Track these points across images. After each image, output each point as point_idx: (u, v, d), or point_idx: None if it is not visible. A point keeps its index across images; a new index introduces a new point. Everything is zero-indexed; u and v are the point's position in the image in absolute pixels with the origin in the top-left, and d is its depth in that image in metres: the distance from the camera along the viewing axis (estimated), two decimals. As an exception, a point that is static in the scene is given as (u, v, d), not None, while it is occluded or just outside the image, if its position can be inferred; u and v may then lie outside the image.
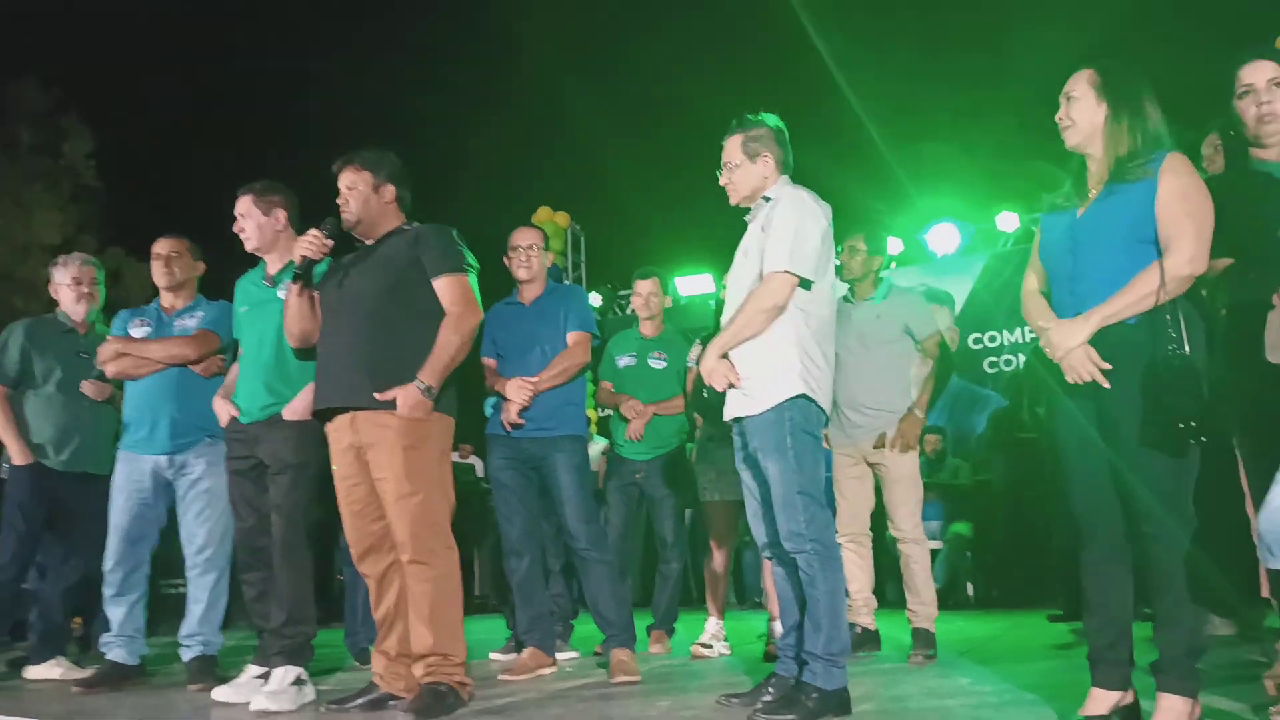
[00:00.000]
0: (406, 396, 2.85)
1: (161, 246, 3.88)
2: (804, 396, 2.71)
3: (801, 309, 2.76)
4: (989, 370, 8.74)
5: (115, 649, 3.73)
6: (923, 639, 3.88)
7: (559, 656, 4.13)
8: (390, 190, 3.11)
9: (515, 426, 3.63)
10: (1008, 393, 8.23)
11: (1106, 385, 2.29)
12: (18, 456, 4.06)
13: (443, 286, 2.98)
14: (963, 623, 5.49)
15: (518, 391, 3.62)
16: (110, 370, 3.84)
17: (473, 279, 3.05)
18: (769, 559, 2.95)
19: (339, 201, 3.10)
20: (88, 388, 4.16)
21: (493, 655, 4.44)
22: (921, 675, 3.46)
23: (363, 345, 2.93)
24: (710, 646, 4.32)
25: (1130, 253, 2.31)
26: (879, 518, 4.16)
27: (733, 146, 2.92)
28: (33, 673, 4.09)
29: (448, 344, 2.92)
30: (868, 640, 4.05)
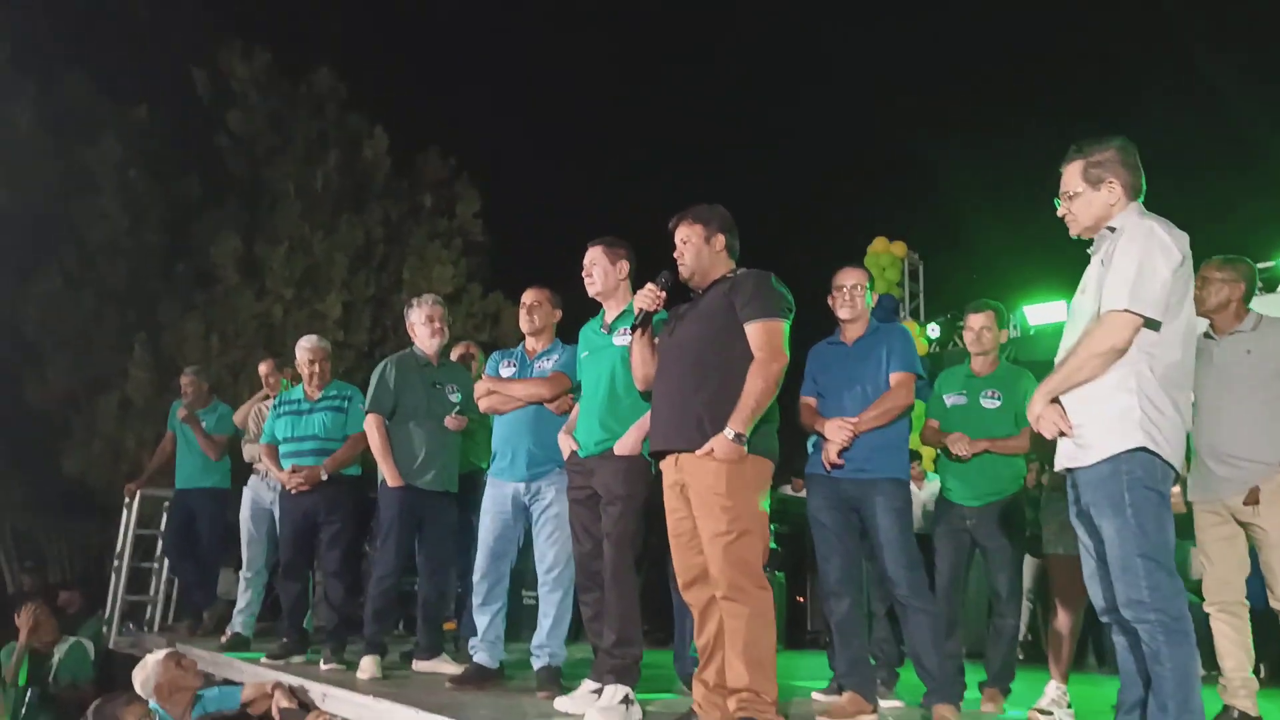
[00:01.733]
0: (719, 446, 2.98)
1: (527, 296, 4.32)
2: (1145, 449, 2.44)
3: (1146, 352, 2.50)
4: None
5: (480, 652, 4.21)
6: None
7: (883, 704, 4.01)
8: (721, 240, 3.30)
9: (835, 467, 3.63)
10: None
11: None
12: (391, 479, 4.58)
13: (751, 332, 3.09)
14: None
15: (837, 432, 3.62)
16: (482, 406, 4.35)
17: (786, 323, 3.13)
18: (1106, 623, 2.68)
19: (675, 255, 3.33)
20: (450, 422, 4.72)
21: (815, 695, 4.42)
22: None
23: (684, 393, 3.12)
24: (1050, 713, 3.98)
25: None
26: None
27: (1072, 173, 2.73)
28: (420, 665, 4.74)
29: (752, 390, 3.02)
30: None
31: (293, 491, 4.99)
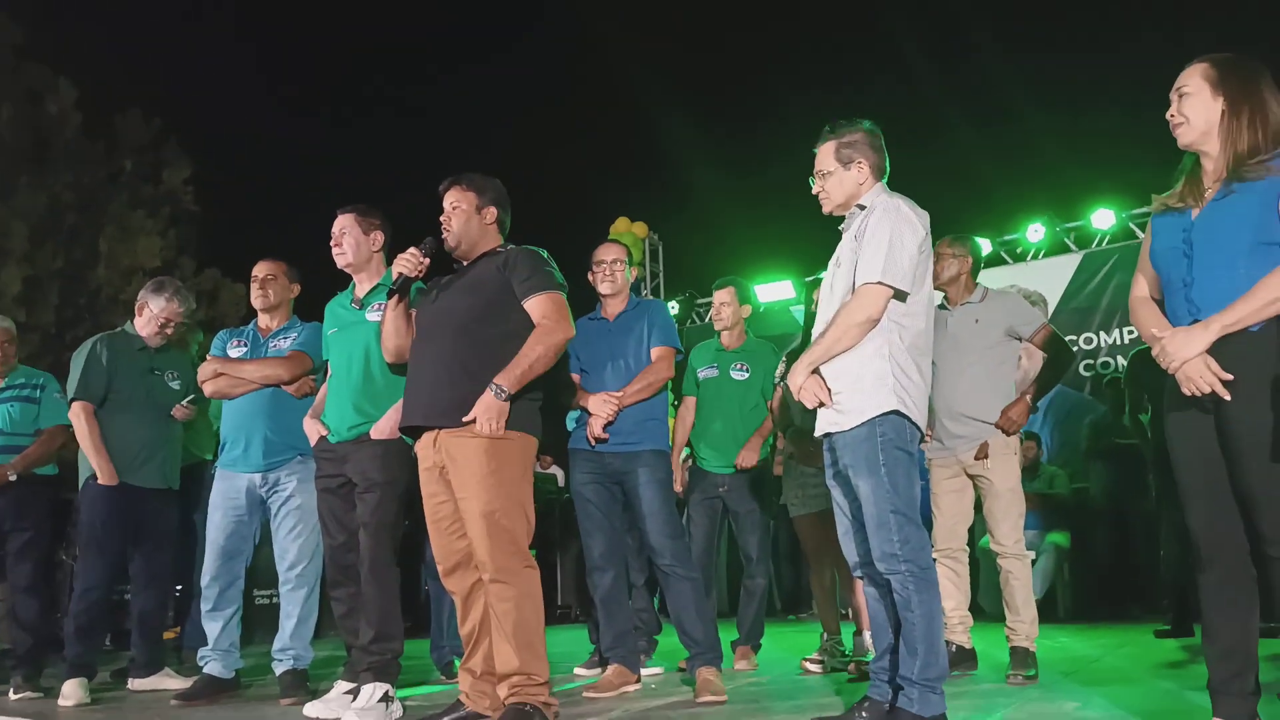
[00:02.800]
0: (482, 403, 2.83)
1: (259, 269, 3.96)
2: (897, 412, 2.61)
3: (896, 322, 2.66)
4: (1085, 374, 8.38)
5: (211, 663, 3.82)
6: (1022, 658, 3.71)
7: (644, 672, 4.09)
8: (492, 212, 3.13)
9: (599, 441, 3.61)
10: (1106, 398, 7.90)
11: (1228, 398, 2.15)
12: (105, 476, 4.05)
13: (534, 305, 2.97)
14: (1064, 639, 5.26)
15: (602, 406, 3.59)
16: (207, 390, 3.94)
17: (565, 297, 3.04)
18: (859, 578, 2.85)
19: (441, 220, 3.12)
20: (179, 411, 4.28)
21: (577, 670, 4.43)
22: (1023, 698, 3.30)
23: (449, 365, 2.93)
24: (821, 661, 4.29)
25: (1252, 256, 2.17)
26: (974, 529, 4.01)
27: (826, 153, 2.83)
28: (137, 684, 4.24)
29: (530, 352, 2.90)
30: (964, 658, 3.91)
31: (-30, 496, 4.25)
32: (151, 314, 4.27)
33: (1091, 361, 8.39)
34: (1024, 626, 3.76)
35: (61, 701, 3.80)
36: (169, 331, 4.32)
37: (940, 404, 3.75)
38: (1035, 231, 8.76)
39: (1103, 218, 8.46)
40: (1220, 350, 2.16)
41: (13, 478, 4.25)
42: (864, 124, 2.83)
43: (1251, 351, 2.14)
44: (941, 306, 3.99)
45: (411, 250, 3.12)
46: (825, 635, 4.47)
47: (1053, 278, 8.60)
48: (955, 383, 3.80)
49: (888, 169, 2.84)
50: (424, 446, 2.99)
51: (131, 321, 4.34)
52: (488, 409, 2.83)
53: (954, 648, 3.84)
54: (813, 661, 4.29)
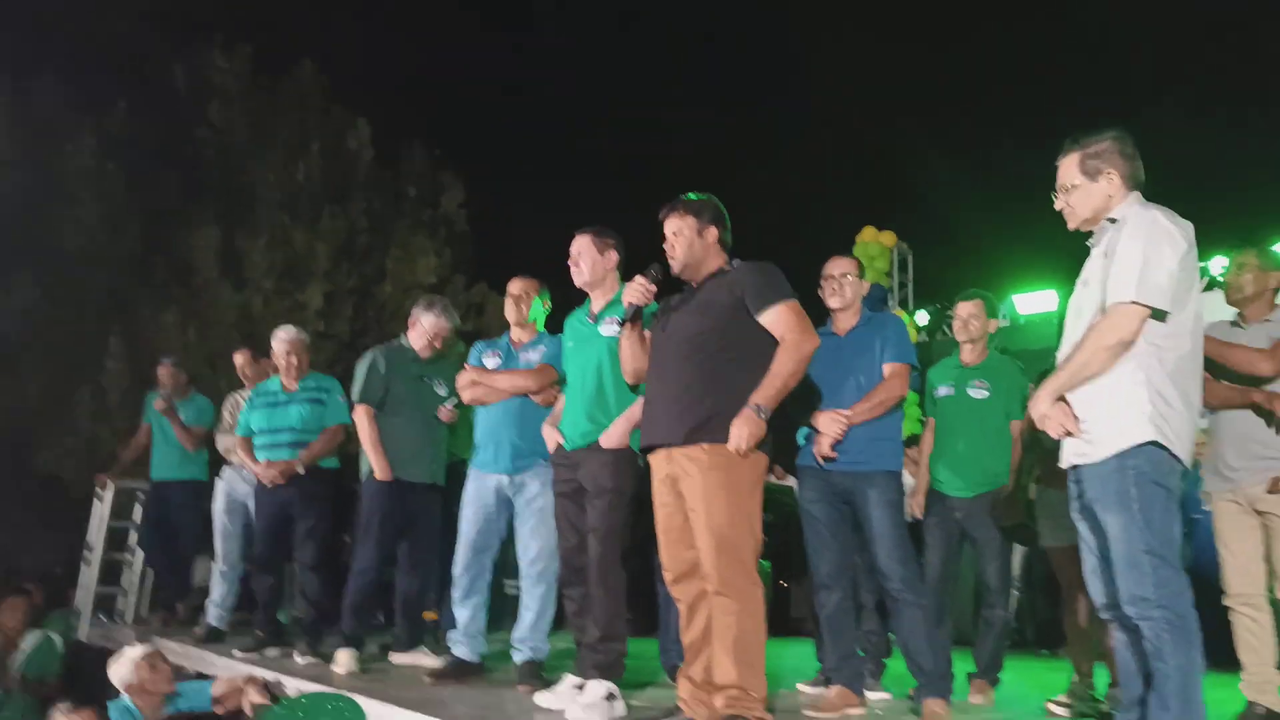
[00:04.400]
0: (742, 422, 2.87)
1: (513, 286, 4.23)
2: (1153, 444, 2.37)
3: (1154, 344, 2.43)
4: None
5: (460, 646, 4.13)
6: None
7: (870, 696, 3.95)
8: (713, 233, 3.19)
9: (828, 460, 3.55)
10: None
11: None
12: (381, 472, 4.48)
13: (773, 318, 2.99)
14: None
15: (831, 424, 3.53)
16: (465, 397, 4.26)
17: (800, 306, 3.04)
18: (1109, 620, 2.62)
19: (665, 247, 3.22)
20: (444, 413, 4.67)
21: (801, 686, 4.36)
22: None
23: (681, 386, 3.02)
24: (1069, 705, 3.97)
25: None
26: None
27: (1069, 166, 2.65)
28: (398, 658, 4.66)
29: (783, 368, 2.92)
30: None
31: (268, 485, 4.89)
32: (423, 329, 4.70)
33: None
34: None
35: (335, 668, 4.26)
36: (437, 345, 4.73)
37: (1223, 432, 3.36)
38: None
39: None
40: None
41: (301, 470, 4.84)
42: (1112, 131, 2.61)
43: None
44: (1235, 324, 3.58)
45: (639, 279, 3.21)
46: (1075, 676, 4.13)
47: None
48: (1234, 412, 3.37)
49: (1142, 178, 2.59)
50: (658, 459, 3.09)
51: (406, 334, 4.80)
52: (750, 426, 2.86)
53: (1260, 709, 3.38)
54: (1058, 704, 3.96)
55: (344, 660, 4.26)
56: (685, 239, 3.17)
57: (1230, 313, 3.63)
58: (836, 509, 3.61)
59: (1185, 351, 2.46)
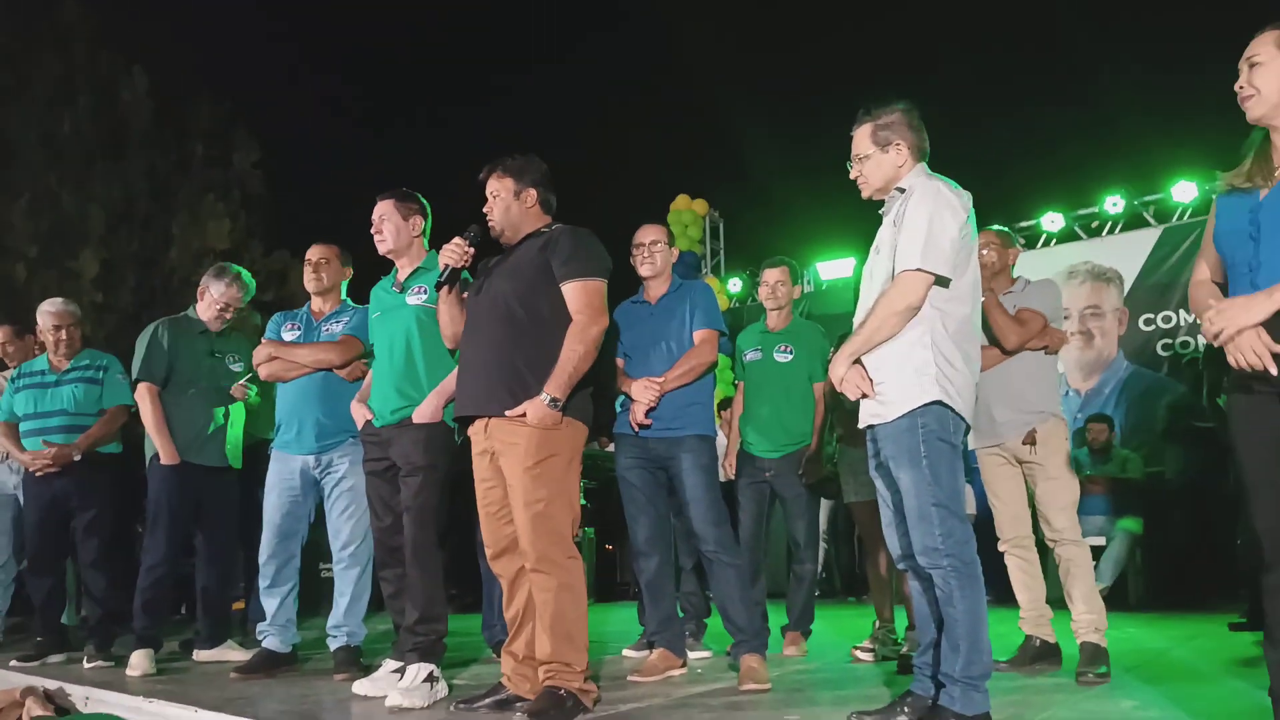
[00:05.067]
0: (534, 410, 2.84)
1: (312, 253, 4.00)
2: (940, 403, 2.52)
3: (938, 309, 2.56)
4: (1163, 354, 8.05)
5: (270, 637, 3.93)
6: (1091, 654, 3.48)
7: (692, 655, 4.08)
8: (532, 195, 3.11)
9: (643, 426, 3.59)
10: (1185, 378, 7.58)
11: (1275, 372, 2.03)
12: (166, 455, 4.18)
13: (569, 293, 2.95)
14: (1133, 629, 5.08)
15: (644, 392, 3.57)
16: (262, 373, 4.01)
17: (604, 283, 3.01)
18: (903, 570, 2.78)
19: (484, 209, 3.12)
20: (237, 390, 4.39)
21: (625, 651, 4.44)
22: (1079, 694, 3.19)
23: (496, 352, 2.95)
24: (872, 650, 4.22)
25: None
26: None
27: (862, 137, 2.74)
28: (201, 655, 4.39)
29: (571, 354, 2.89)
30: (1047, 654, 3.72)
31: (37, 474, 4.45)
32: (211, 298, 4.38)
33: (1170, 341, 8.04)
34: (1089, 618, 3.54)
35: (129, 672, 3.96)
36: (228, 315, 4.43)
37: (984, 393, 3.62)
38: (1114, 204, 8.41)
39: (1184, 190, 8.08)
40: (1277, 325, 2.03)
41: (77, 457, 4.42)
42: (901, 103, 2.72)
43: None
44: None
45: (455, 240, 3.12)
46: (878, 623, 4.41)
47: (1130, 253, 8.27)
48: (1001, 370, 3.67)
49: (928, 150, 2.72)
50: (476, 432, 3.01)
51: (194, 306, 4.46)
52: (541, 418, 2.83)
53: (1036, 642, 3.71)
54: (863, 650, 4.24)
55: (138, 662, 3.98)
56: (503, 201, 3.08)
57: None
58: (652, 474, 3.66)
59: (965, 314, 2.62)
